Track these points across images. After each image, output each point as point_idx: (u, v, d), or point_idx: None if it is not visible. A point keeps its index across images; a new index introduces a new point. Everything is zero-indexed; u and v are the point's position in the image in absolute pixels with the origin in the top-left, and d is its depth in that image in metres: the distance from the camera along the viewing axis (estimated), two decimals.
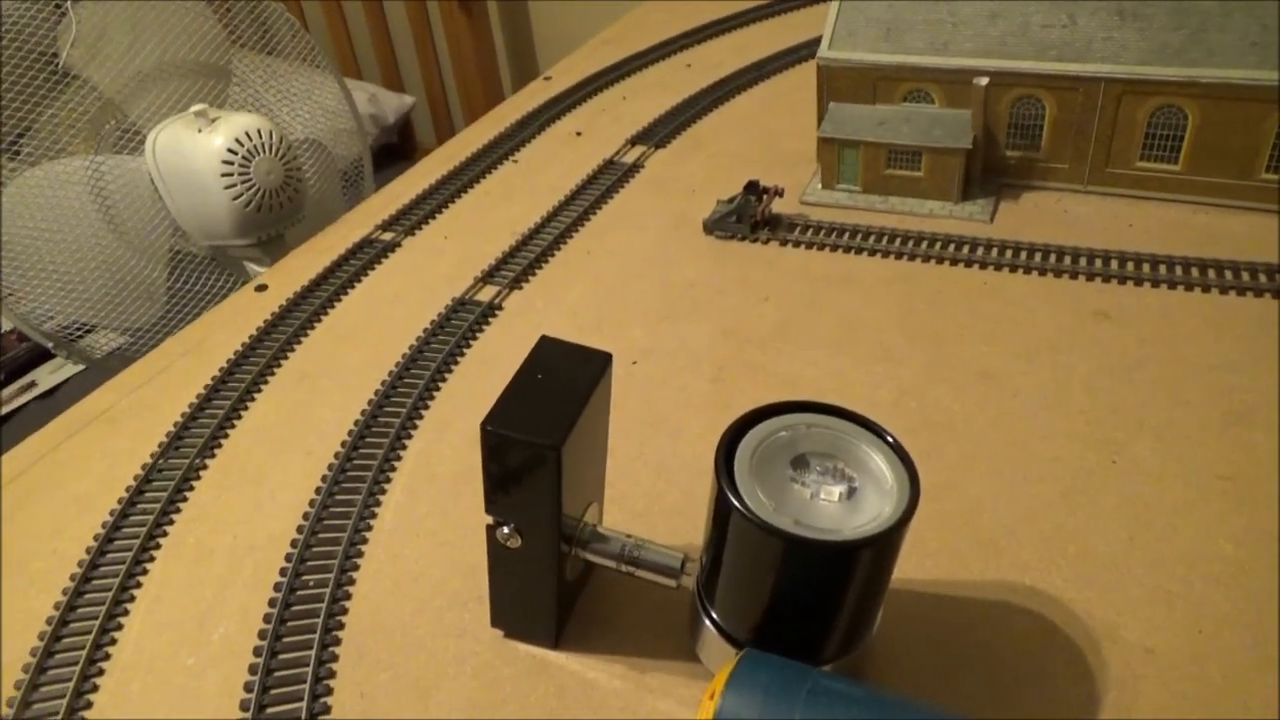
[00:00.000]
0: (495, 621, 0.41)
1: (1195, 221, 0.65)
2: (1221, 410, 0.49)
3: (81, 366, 1.33)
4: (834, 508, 0.33)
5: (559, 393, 0.34)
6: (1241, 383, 0.51)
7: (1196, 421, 0.49)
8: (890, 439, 0.34)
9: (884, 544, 0.32)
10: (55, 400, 1.66)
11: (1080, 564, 0.42)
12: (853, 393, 0.53)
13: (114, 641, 0.42)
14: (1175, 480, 0.45)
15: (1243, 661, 0.37)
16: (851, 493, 0.33)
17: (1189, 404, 0.50)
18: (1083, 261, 0.61)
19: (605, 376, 0.36)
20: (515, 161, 0.83)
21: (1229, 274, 0.59)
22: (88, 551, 0.46)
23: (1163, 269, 0.60)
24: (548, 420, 0.33)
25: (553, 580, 0.38)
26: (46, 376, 1.76)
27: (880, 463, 0.34)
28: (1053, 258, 0.62)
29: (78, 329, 1.23)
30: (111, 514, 0.48)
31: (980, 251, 0.64)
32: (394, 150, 2.55)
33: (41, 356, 1.78)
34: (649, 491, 0.47)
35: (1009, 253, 0.63)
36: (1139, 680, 0.37)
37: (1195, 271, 0.60)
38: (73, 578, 0.45)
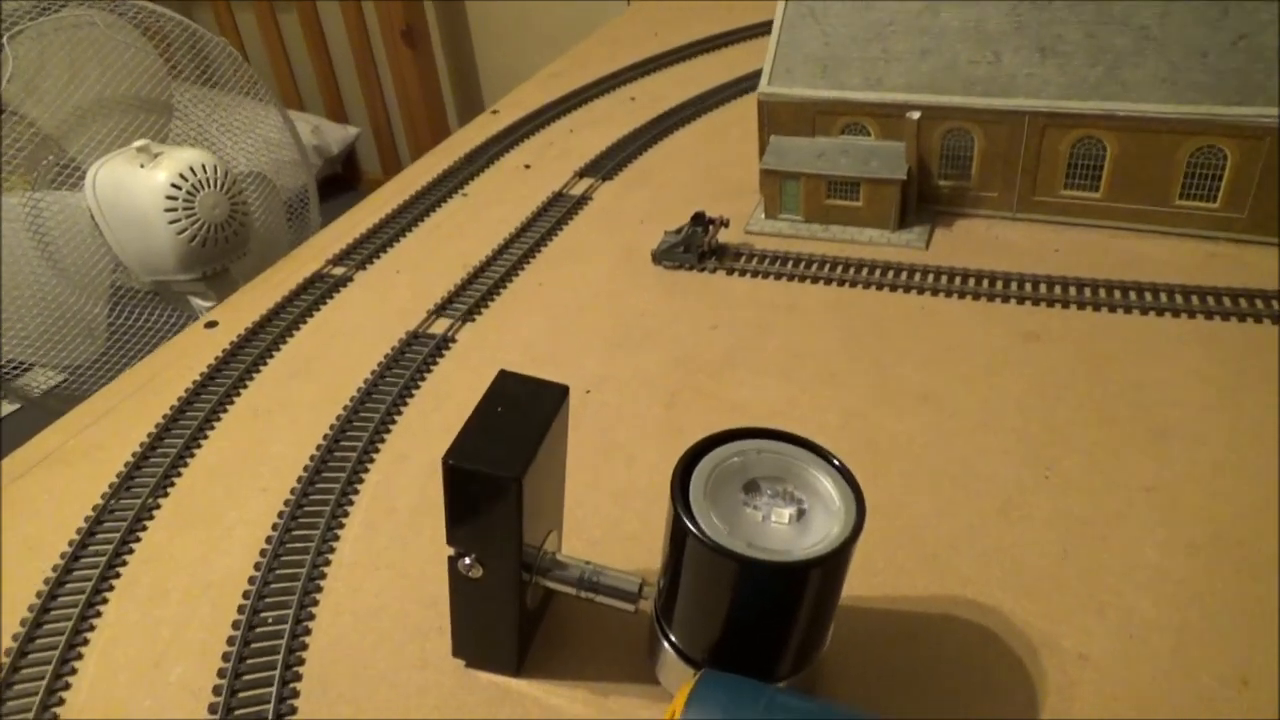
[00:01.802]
0: (457, 651, 0.42)
1: (1116, 245, 0.68)
2: (1145, 426, 0.52)
3: (17, 405, 1.30)
4: (784, 529, 0.34)
5: (518, 425, 0.35)
6: (1162, 399, 0.54)
7: (1121, 437, 0.51)
8: (836, 462, 0.35)
9: (833, 563, 0.33)
10: None
11: (1018, 575, 0.44)
12: (801, 416, 0.55)
13: (68, 686, 0.42)
14: (1104, 493, 0.48)
15: (1170, 664, 0.39)
16: (801, 515, 0.35)
17: (1115, 421, 0.53)
18: (1013, 286, 0.64)
19: (563, 408, 0.37)
20: (465, 195, 0.84)
21: (1149, 295, 0.62)
22: (38, 595, 0.46)
23: (1087, 292, 0.63)
24: (508, 453, 0.34)
25: (514, 609, 0.39)
26: None
27: (828, 485, 0.35)
28: (985, 282, 0.65)
29: (14, 367, 1.20)
30: (63, 556, 0.48)
31: (917, 277, 0.66)
32: (339, 180, 2.54)
33: None
34: (606, 518, 0.48)
35: (944, 278, 0.66)
36: (1075, 686, 0.39)
37: (1118, 294, 0.63)
38: (23, 623, 0.44)
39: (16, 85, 1.14)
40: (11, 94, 1.14)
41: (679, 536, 0.34)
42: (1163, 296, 0.62)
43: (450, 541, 0.36)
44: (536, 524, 0.38)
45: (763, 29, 1.15)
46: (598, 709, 0.39)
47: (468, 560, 0.37)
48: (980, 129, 0.69)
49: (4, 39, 1.14)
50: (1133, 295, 0.62)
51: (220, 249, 1.13)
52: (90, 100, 1.20)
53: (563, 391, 0.37)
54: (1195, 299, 0.62)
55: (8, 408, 1.70)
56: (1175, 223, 0.68)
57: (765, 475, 0.36)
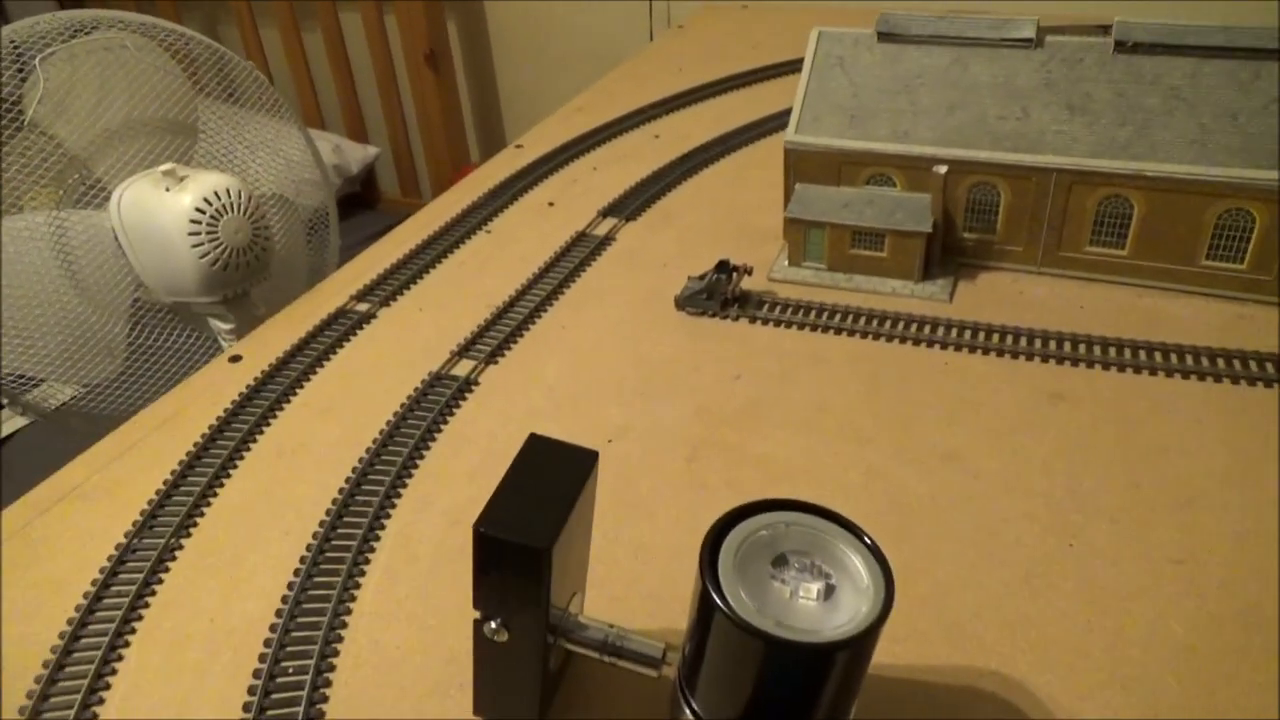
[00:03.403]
0: (478, 709, 0.41)
1: (1141, 304, 0.68)
2: (1170, 493, 0.52)
3: (30, 419, 1.31)
4: (812, 606, 0.34)
5: (548, 492, 0.36)
6: (1189, 466, 0.54)
7: (1148, 505, 0.51)
8: (867, 540, 0.35)
9: (860, 645, 0.33)
10: (4, 453, 1.63)
11: (1042, 648, 0.44)
12: (823, 474, 0.55)
13: None
14: (1129, 564, 0.47)
15: None
16: (829, 591, 0.35)
17: (1140, 487, 0.52)
18: (1038, 343, 0.64)
19: (592, 474, 0.37)
20: (489, 232, 0.84)
21: (1174, 358, 0.62)
22: (61, 636, 0.46)
23: (1112, 351, 0.63)
24: (539, 521, 0.34)
25: (538, 672, 0.38)
26: None
27: (856, 561, 0.35)
28: (1009, 339, 0.65)
29: (27, 381, 1.21)
30: (85, 596, 0.48)
31: (941, 331, 0.66)
32: (357, 199, 2.56)
33: None
34: (627, 574, 0.48)
35: (968, 333, 0.66)
36: None
37: (1143, 354, 0.63)
38: (46, 664, 0.44)
39: (47, 106, 1.16)
40: (42, 114, 1.15)
41: (706, 610, 0.34)
42: (1189, 359, 0.62)
43: (477, 605, 0.36)
44: (562, 588, 0.38)
45: (787, 68, 1.15)
46: None
47: (494, 624, 0.37)
48: (1007, 184, 0.69)
49: (36, 60, 1.16)
50: (1158, 357, 0.62)
51: (242, 273, 1.14)
52: (118, 122, 1.22)
53: (592, 458, 0.37)
54: (1222, 362, 0.61)
55: (20, 422, 1.71)
56: (1201, 283, 0.68)
57: (794, 549, 0.36)
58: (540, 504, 0.35)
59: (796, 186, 0.74)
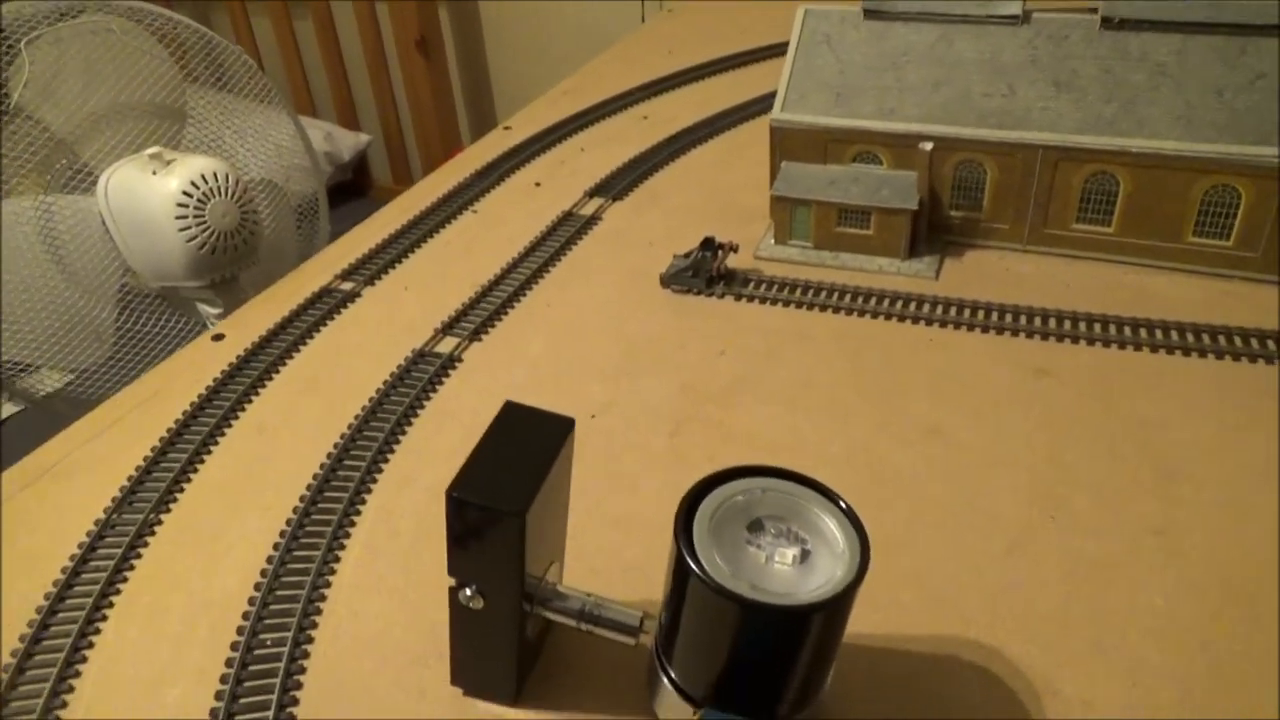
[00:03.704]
0: (455, 679, 0.41)
1: (1127, 281, 0.68)
2: (1153, 466, 0.52)
3: (21, 406, 1.30)
4: (788, 571, 0.34)
5: (523, 458, 0.35)
6: (1171, 439, 0.53)
7: (1130, 477, 0.51)
8: (843, 505, 0.35)
9: (836, 608, 0.33)
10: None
11: (1022, 618, 0.43)
12: (806, 448, 0.55)
13: (65, 705, 0.41)
14: (1110, 535, 0.47)
15: (1174, 713, 0.39)
16: (804, 556, 0.35)
17: (1123, 459, 0.52)
18: (1023, 320, 0.64)
19: (568, 441, 0.37)
20: (475, 212, 0.84)
21: (1159, 333, 0.62)
22: (38, 611, 0.46)
23: (1098, 328, 0.63)
24: (512, 486, 0.34)
25: (514, 639, 0.38)
26: None
27: (833, 526, 0.35)
28: (995, 315, 0.65)
29: (18, 368, 1.20)
30: (63, 571, 0.48)
31: (926, 308, 0.66)
32: (349, 187, 2.55)
33: None
34: (607, 546, 0.48)
35: (954, 310, 0.66)
36: None
37: (1128, 330, 0.62)
38: (22, 638, 0.44)
39: (33, 89, 1.15)
40: (27, 98, 1.14)
41: (681, 575, 0.34)
42: (1174, 334, 0.62)
43: (451, 572, 0.36)
44: (539, 556, 0.38)
45: (776, 50, 1.15)
46: None
47: (469, 591, 0.36)
48: (993, 161, 0.69)
49: (21, 43, 1.15)
50: (1143, 332, 0.62)
51: (229, 257, 1.13)
52: (105, 106, 1.21)
53: (568, 424, 0.37)
54: (1206, 338, 0.61)
55: (11, 409, 1.71)
56: (1187, 260, 0.68)
57: (769, 514, 0.36)
58: (515, 470, 0.35)
59: (783, 165, 0.73)
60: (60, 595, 0.47)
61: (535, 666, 0.42)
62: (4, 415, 1.71)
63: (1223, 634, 0.42)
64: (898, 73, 0.70)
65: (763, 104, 1.00)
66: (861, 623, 0.43)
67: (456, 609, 0.38)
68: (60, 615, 0.46)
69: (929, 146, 0.67)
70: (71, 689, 0.42)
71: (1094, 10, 0.67)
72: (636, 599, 0.40)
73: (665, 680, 0.37)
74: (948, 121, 0.69)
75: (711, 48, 1.18)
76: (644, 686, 0.40)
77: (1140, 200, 0.67)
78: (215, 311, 1.19)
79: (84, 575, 0.48)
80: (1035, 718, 0.39)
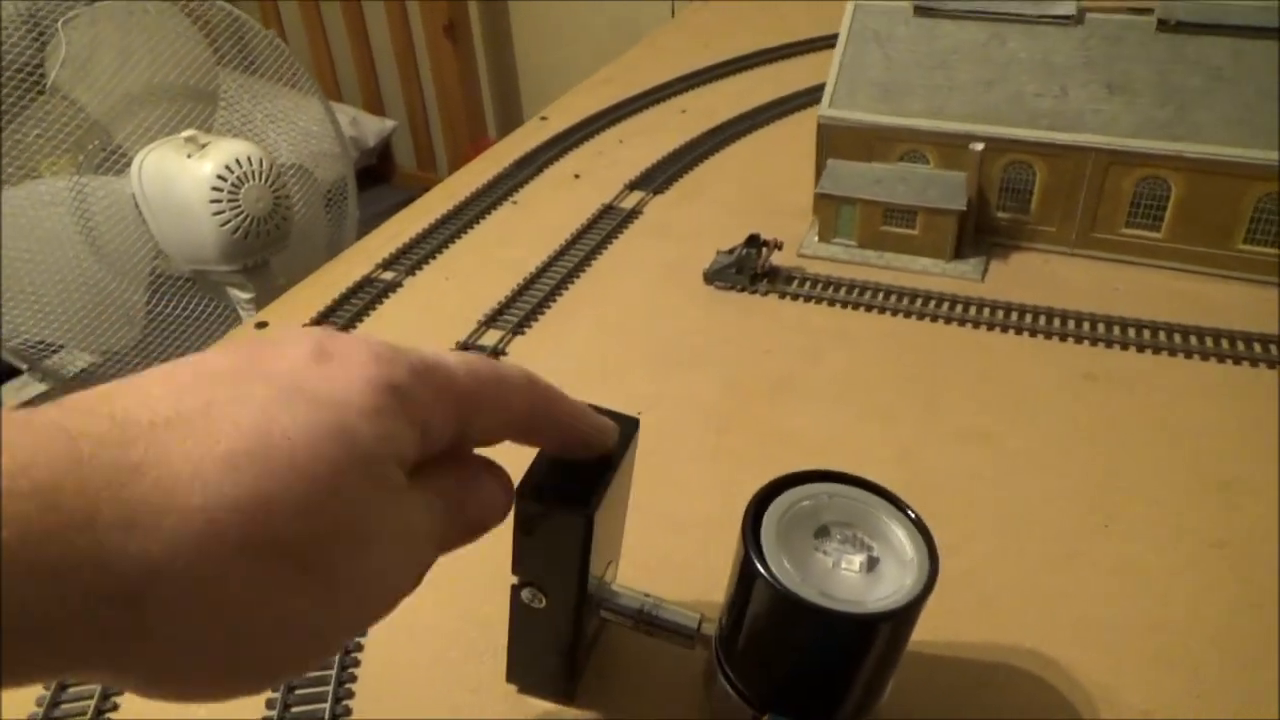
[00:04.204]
0: (511, 677, 0.41)
1: (1177, 287, 0.67)
2: (1207, 477, 0.51)
3: (48, 386, 1.31)
4: (855, 578, 0.34)
5: (589, 459, 0.35)
6: (1223, 449, 0.53)
7: (1184, 487, 0.51)
8: (912, 514, 0.35)
9: (905, 617, 0.33)
10: None
11: (1079, 627, 0.43)
12: (854, 451, 0.54)
13: (116, 707, 0.41)
14: (1167, 546, 0.47)
15: None
16: (872, 563, 0.34)
17: (1175, 469, 0.52)
18: (1071, 324, 0.64)
19: (633, 441, 0.37)
20: (515, 203, 0.84)
21: (1209, 341, 0.61)
22: None
23: (1147, 334, 0.62)
24: (579, 488, 0.34)
25: (572, 639, 0.38)
26: (14, 394, 1.72)
27: (900, 535, 0.35)
28: (1042, 319, 0.64)
29: (46, 347, 1.21)
30: None
31: (972, 310, 0.65)
32: (373, 173, 2.55)
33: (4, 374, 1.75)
34: (659, 546, 0.48)
35: (1000, 313, 0.65)
36: None
37: (1178, 337, 0.62)
38: None
39: (69, 70, 1.15)
40: (63, 78, 1.15)
41: (748, 578, 0.34)
42: (1224, 343, 0.61)
43: (515, 571, 0.36)
44: (600, 556, 0.38)
45: (814, 44, 1.14)
46: None
47: (531, 591, 0.36)
48: (1043, 163, 0.68)
49: (58, 24, 1.15)
50: (1194, 339, 0.62)
51: (262, 241, 1.14)
52: (139, 87, 1.21)
53: (634, 424, 0.37)
54: (1258, 346, 0.60)
55: (39, 388, 1.72)
56: (1238, 267, 0.67)
57: (836, 520, 0.36)
58: (582, 471, 0.35)
59: (829, 162, 0.73)
60: None
61: (589, 664, 0.42)
62: (31, 394, 1.72)
63: None
64: (947, 71, 0.70)
65: (802, 99, 1.00)
66: (918, 629, 0.43)
67: (517, 607, 0.37)
68: None
69: (980, 147, 0.66)
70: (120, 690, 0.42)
71: (1150, 11, 0.66)
72: (689, 598, 0.40)
73: (725, 683, 0.37)
74: (998, 122, 0.68)
75: (747, 40, 1.17)
76: (700, 687, 0.40)
77: (1191, 206, 0.66)
78: (246, 296, 1.19)
79: None
80: None
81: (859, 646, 0.34)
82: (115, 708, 0.41)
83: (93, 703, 0.41)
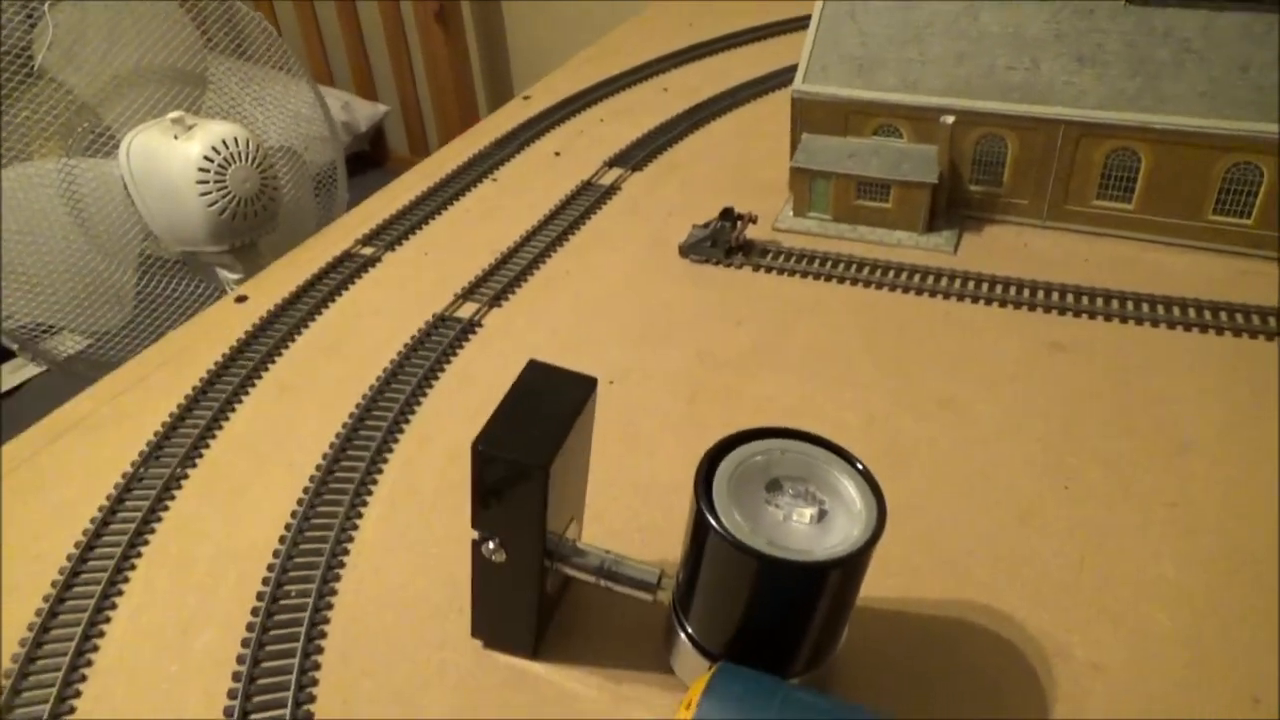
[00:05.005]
0: (475, 632, 0.42)
1: (1146, 258, 0.68)
2: (1167, 441, 0.52)
3: (43, 368, 1.32)
4: (805, 529, 0.35)
5: (546, 415, 0.36)
6: (1185, 414, 0.54)
7: (1143, 451, 0.51)
8: (860, 466, 0.36)
9: (852, 565, 0.34)
10: (17, 401, 1.64)
11: (1034, 584, 0.44)
12: (822, 417, 0.55)
13: (97, 649, 0.43)
14: (1123, 506, 0.48)
15: (1182, 677, 0.40)
16: (822, 515, 0.35)
17: (1137, 434, 0.53)
18: (1040, 294, 0.64)
19: (590, 400, 0.38)
20: (494, 180, 0.84)
21: (1177, 310, 0.62)
22: (69, 559, 0.47)
23: (1114, 303, 0.63)
24: (536, 441, 0.35)
25: (534, 593, 0.39)
26: (8, 376, 1.73)
27: (850, 488, 0.36)
28: (1012, 290, 0.65)
29: (40, 330, 1.22)
30: (93, 521, 0.49)
31: (944, 282, 0.66)
32: (365, 158, 2.55)
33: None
34: (626, 509, 0.49)
35: (971, 284, 0.66)
36: (1087, 695, 0.39)
37: (1145, 307, 0.63)
38: (54, 584, 0.45)
39: (56, 52, 1.15)
40: (51, 61, 1.15)
41: (700, 531, 0.35)
42: (1191, 312, 0.62)
43: (475, 525, 0.37)
44: (560, 512, 0.38)
45: (796, 24, 1.14)
46: (612, 694, 0.40)
47: (491, 544, 0.37)
48: (1015, 135, 0.68)
49: (45, 6, 1.16)
50: (1160, 309, 0.62)
51: (249, 222, 1.14)
52: (127, 70, 1.22)
53: (591, 383, 0.38)
54: (1224, 315, 0.61)
55: (33, 370, 1.72)
56: (1207, 238, 0.67)
57: (788, 475, 0.36)
58: (539, 425, 0.36)
59: (803, 137, 0.73)
60: (90, 544, 0.48)
61: (554, 622, 0.43)
62: (27, 377, 1.73)
63: (1232, 602, 0.43)
64: (921, 45, 0.70)
65: (782, 77, 1.00)
66: (876, 587, 0.44)
67: (478, 562, 0.38)
68: (91, 563, 0.47)
69: (950, 120, 0.67)
70: (103, 633, 0.43)
71: None
72: (654, 558, 0.41)
73: (683, 635, 0.38)
74: (970, 95, 0.68)
75: (731, 21, 1.17)
76: (660, 642, 0.41)
77: (1161, 177, 0.67)
78: (235, 277, 1.20)
79: (113, 525, 0.49)
80: (1046, 681, 0.40)
81: (808, 595, 0.35)
82: (89, 664, 0.42)
83: (73, 644, 0.42)
